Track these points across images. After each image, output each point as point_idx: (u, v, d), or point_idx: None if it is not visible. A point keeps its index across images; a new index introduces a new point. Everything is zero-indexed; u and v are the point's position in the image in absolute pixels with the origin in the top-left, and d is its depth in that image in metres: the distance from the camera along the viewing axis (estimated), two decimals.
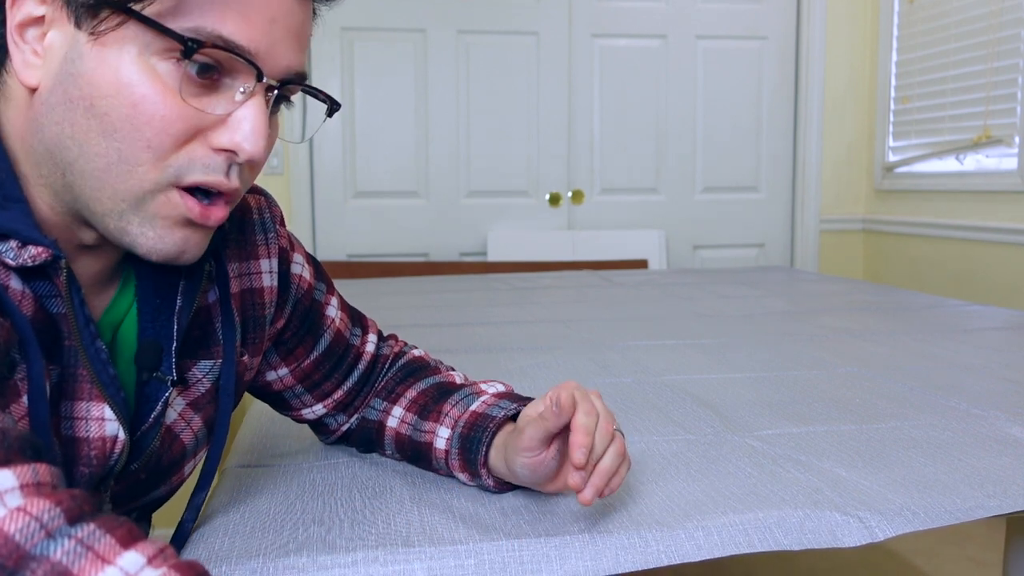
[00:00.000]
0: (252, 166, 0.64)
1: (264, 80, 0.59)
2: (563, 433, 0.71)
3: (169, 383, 0.69)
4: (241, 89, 0.59)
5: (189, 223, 0.61)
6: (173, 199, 0.60)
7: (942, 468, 0.84)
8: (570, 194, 3.22)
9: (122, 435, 0.65)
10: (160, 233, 0.60)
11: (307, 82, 0.65)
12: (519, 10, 3.13)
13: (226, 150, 0.59)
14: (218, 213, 0.62)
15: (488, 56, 3.13)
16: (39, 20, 0.58)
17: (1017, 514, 0.77)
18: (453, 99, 3.11)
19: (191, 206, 0.60)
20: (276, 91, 0.61)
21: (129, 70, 0.56)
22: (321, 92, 0.68)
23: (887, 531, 0.72)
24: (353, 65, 3.05)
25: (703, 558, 0.69)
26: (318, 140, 3.06)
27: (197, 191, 0.61)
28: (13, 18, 0.58)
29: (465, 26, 3.10)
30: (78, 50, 0.57)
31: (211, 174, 0.60)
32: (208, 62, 0.57)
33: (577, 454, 0.66)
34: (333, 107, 0.69)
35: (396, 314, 1.79)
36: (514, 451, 0.72)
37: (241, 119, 0.59)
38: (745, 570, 2.10)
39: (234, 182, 0.61)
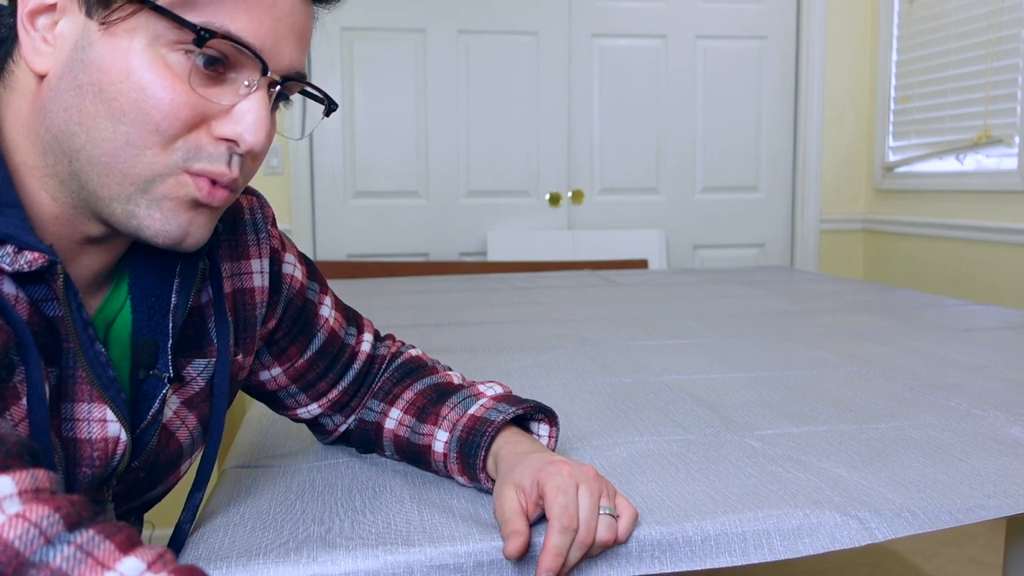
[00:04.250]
0: (253, 158, 0.65)
1: (268, 75, 0.61)
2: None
3: (166, 380, 0.69)
4: (246, 82, 0.61)
5: (194, 205, 0.62)
6: (183, 180, 0.61)
7: (942, 468, 0.84)
8: (570, 194, 3.22)
9: (124, 436, 0.65)
10: (167, 215, 0.61)
11: (309, 82, 0.67)
12: (519, 10, 3.13)
13: (228, 139, 0.61)
14: (222, 194, 0.63)
15: (488, 56, 3.13)
16: (51, 8, 0.60)
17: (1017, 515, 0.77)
18: (453, 99, 3.11)
19: (201, 185, 0.61)
20: (279, 87, 0.63)
21: (139, 58, 0.58)
22: (320, 91, 0.69)
23: (887, 533, 0.72)
24: (353, 65, 3.05)
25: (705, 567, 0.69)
26: (318, 140, 3.06)
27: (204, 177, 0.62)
28: (25, 5, 0.60)
29: (465, 26, 3.10)
30: (89, 38, 0.58)
31: (215, 163, 0.61)
32: (215, 55, 0.59)
33: None
34: (331, 107, 0.70)
35: (396, 314, 1.79)
36: (497, 511, 0.71)
37: (245, 111, 0.61)
38: (745, 569, 2.10)
39: (235, 171, 0.63)
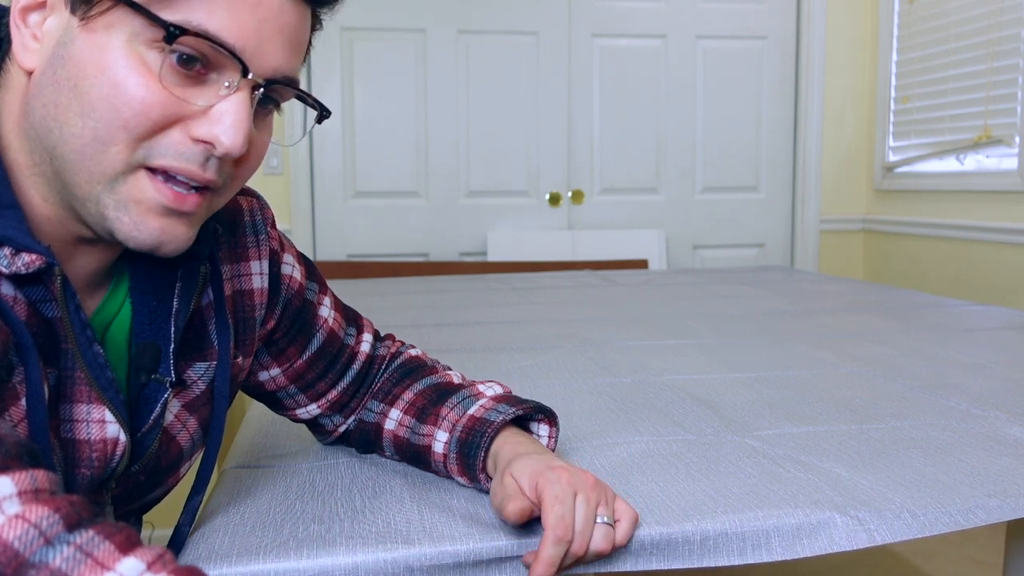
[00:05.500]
0: (236, 162, 0.63)
1: (249, 77, 0.59)
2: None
3: (168, 385, 0.68)
4: (226, 84, 0.60)
5: (167, 211, 0.60)
6: (142, 181, 0.59)
7: (942, 468, 0.84)
8: (570, 194, 3.22)
9: (123, 437, 0.65)
10: (136, 220, 0.60)
11: (298, 88, 0.65)
12: (519, 10, 3.13)
13: (204, 141, 0.59)
14: (193, 200, 0.61)
15: (488, 56, 3.13)
16: (41, 5, 0.60)
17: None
18: (453, 99, 3.11)
19: (160, 188, 0.60)
20: (262, 89, 0.61)
21: (115, 54, 0.57)
22: (311, 97, 0.67)
23: (886, 536, 0.72)
24: (353, 65, 3.05)
25: (702, 565, 0.69)
26: (318, 140, 3.06)
27: (171, 179, 0.60)
28: (17, 2, 0.60)
29: (465, 26, 3.10)
30: (70, 34, 0.58)
31: (183, 161, 0.59)
32: (191, 53, 0.58)
33: None
34: (323, 114, 0.68)
35: (396, 314, 1.79)
36: (495, 498, 0.71)
37: (222, 112, 0.59)
38: (744, 569, 2.10)
39: (209, 174, 0.61)
